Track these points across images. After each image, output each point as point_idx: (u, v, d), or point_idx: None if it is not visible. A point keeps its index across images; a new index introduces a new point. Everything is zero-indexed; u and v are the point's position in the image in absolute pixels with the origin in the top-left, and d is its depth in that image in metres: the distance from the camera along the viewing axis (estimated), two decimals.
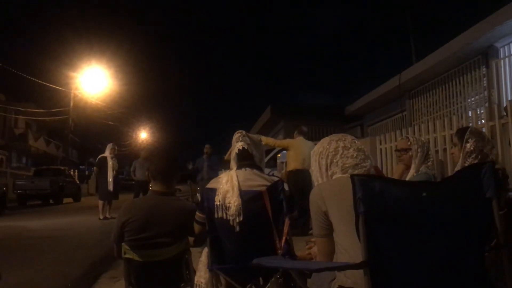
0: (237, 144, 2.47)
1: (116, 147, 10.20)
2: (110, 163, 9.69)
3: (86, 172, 36.66)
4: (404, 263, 1.34)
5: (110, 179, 9.58)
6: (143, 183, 10.58)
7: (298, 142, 6.60)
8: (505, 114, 4.65)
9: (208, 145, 10.20)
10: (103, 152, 10.13)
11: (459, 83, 8.32)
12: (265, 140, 6.79)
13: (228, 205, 2.23)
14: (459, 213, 1.39)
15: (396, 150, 3.33)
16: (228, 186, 2.27)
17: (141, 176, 10.71)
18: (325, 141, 1.82)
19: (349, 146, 1.75)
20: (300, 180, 6.12)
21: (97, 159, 10.11)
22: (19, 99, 27.49)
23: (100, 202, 9.73)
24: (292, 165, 6.51)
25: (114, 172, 9.77)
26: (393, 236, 1.34)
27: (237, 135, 2.53)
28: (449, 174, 4.66)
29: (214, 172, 9.09)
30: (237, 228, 2.21)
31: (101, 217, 9.57)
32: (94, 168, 10.47)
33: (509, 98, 6.60)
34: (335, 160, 1.74)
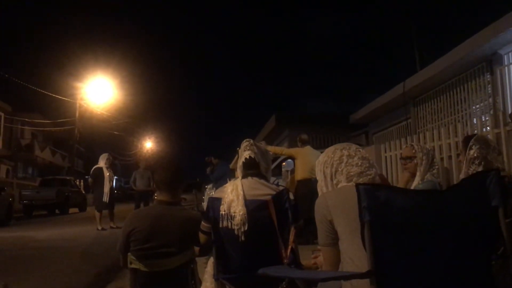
0: (245, 153, 2.47)
1: (111, 157, 9.96)
2: (106, 174, 9.49)
3: None
4: (410, 272, 1.34)
5: (106, 190, 9.39)
6: (143, 193, 10.54)
7: (306, 151, 6.58)
8: (510, 121, 4.64)
9: (207, 157, 10.08)
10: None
11: (464, 90, 8.30)
12: (273, 149, 6.80)
13: (233, 214, 2.23)
14: (465, 222, 1.39)
15: (401, 158, 3.33)
16: (233, 196, 2.27)
17: (141, 186, 10.69)
18: (329, 150, 1.82)
19: (353, 154, 1.76)
20: (309, 190, 6.10)
21: (92, 170, 9.83)
22: (25, 109, 27.74)
23: (97, 214, 9.59)
24: (300, 174, 6.49)
25: (111, 183, 9.57)
26: (399, 245, 1.33)
27: (245, 143, 2.53)
28: (455, 182, 4.64)
29: (217, 183, 8.96)
30: (242, 238, 2.21)
31: (99, 227, 9.45)
32: (89, 179, 10.10)
33: None
34: (339, 169, 1.74)
